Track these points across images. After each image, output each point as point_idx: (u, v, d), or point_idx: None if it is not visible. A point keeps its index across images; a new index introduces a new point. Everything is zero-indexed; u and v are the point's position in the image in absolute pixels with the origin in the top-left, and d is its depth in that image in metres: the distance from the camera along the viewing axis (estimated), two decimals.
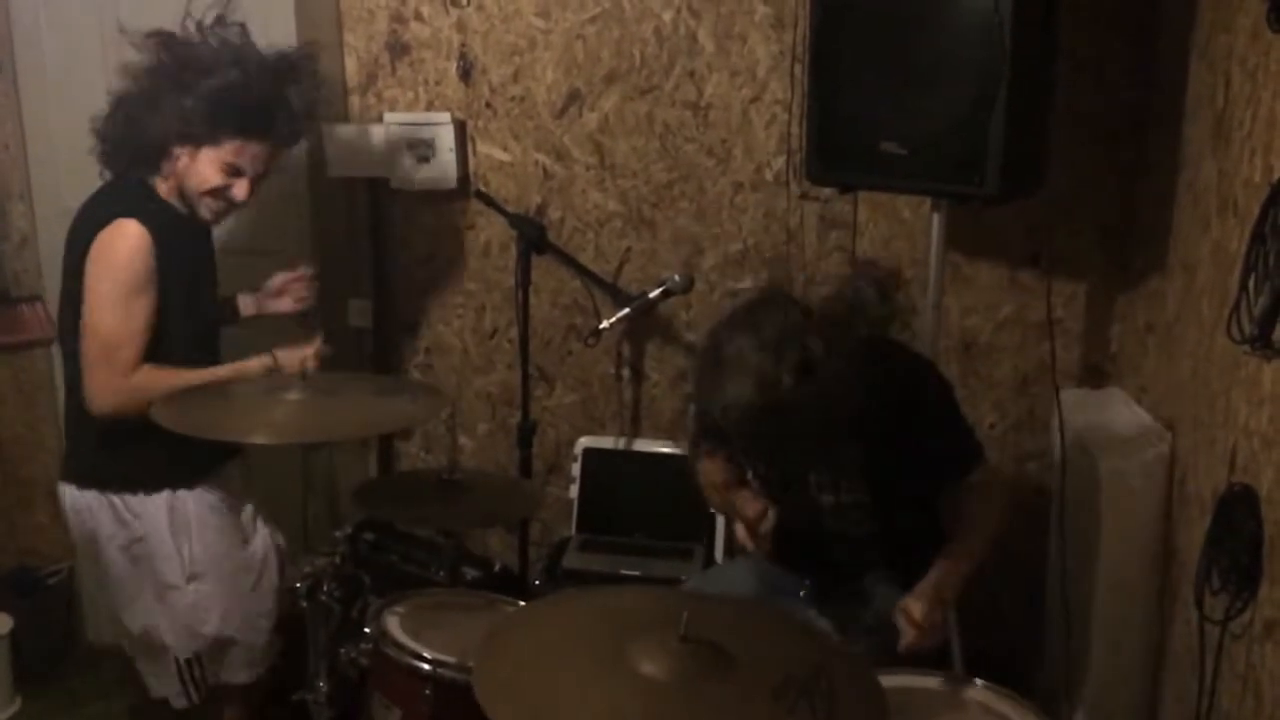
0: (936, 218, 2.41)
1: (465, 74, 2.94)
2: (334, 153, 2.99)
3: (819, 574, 2.16)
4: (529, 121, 2.93)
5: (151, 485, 2.37)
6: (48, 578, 3.35)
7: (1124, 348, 2.70)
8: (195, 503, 2.41)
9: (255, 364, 2.37)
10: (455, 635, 2.03)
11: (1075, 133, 2.59)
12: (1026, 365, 2.80)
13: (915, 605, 1.88)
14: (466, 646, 1.91)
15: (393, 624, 2.08)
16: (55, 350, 2.84)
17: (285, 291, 2.67)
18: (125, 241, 2.23)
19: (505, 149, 2.97)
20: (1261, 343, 1.66)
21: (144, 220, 2.25)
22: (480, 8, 2.90)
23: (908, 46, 2.19)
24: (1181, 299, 2.22)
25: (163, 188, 2.35)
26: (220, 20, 2.34)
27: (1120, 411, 2.47)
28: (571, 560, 2.77)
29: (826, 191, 2.74)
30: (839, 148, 2.34)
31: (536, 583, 2.76)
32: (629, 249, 2.95)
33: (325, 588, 2.13)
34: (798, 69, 2.70)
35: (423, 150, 2.94)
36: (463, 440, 3.18)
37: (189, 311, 2.37)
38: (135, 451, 2.33)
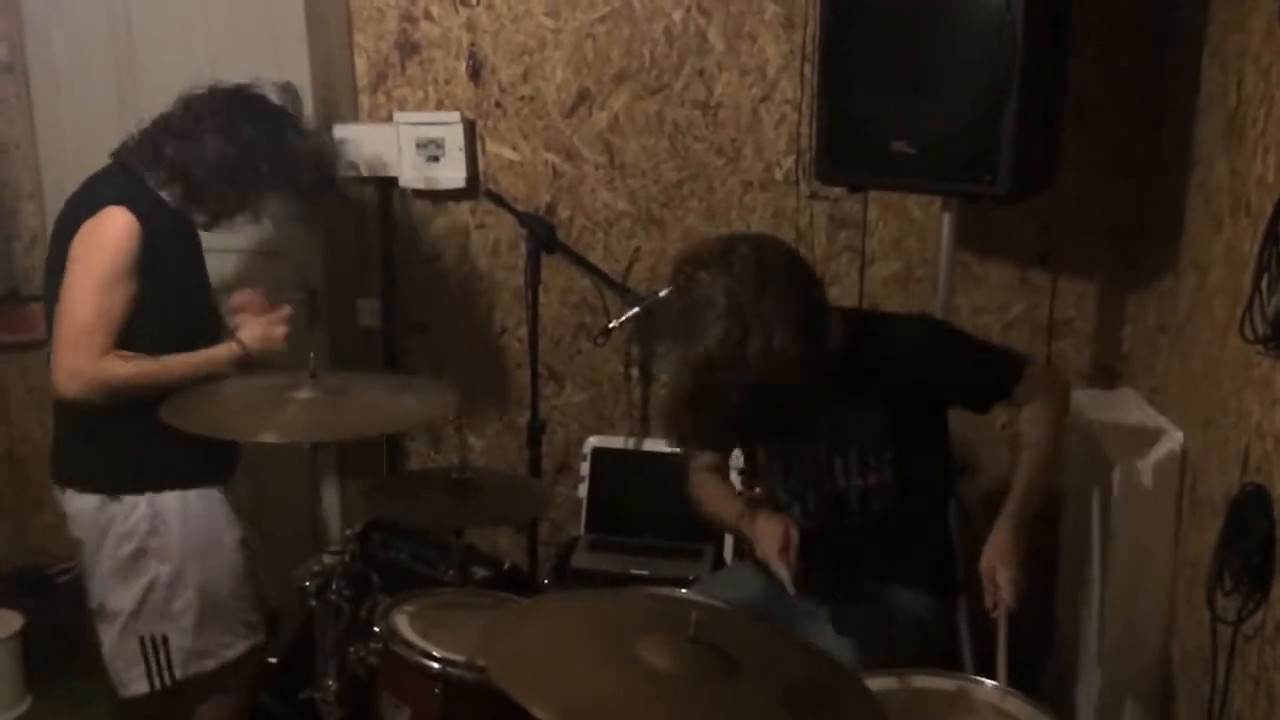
0: (947, 217, 2.40)
1: (475, 73, 2.95)
2: (344, 152, 2.99)
3: (835, 577, 2.16)
4: (538, 121, 2.93)
5: (131, 487, 2.35)
6: (57, 577, 3.35)
7: (1135, 348, 2.69)
8: (177, 503, 2.38)
9: (223, 350, 2.34)
10: (465, 634, 2.03)
11: (1086, 132, 2.58)
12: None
13: (998, 568, 1.94)
14: (476, 645, 1.91)
15: (402, 623, 2.08)
16: None
17: (250, 317, 2.48)
18: (113, 228, 2.22)
19: (515, 148, 2.97)
20: (1274, 343, 1.65)
21: (134, 209, 2.24)
22: (490, 7, 2.90)
23: (918, 46, 2.19)
24: (1193, 299, 2.21)
25: (152, 180, 2.33)
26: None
27: (1132, 412, 2.46)
28: (580, 560, 2.77)
29: (836, 191, 2.74)
30: (849, 147, 2.33)
31: (545, 582, 2.76)
32: (638, 248, 2.95)
33: (334, 586, 2.12)
34: (807, 68, 2.70)
35: (432, 149, 2.94)
36: (472, 440, 3.17)
37: (181, 308, 2.36)
38: (115, 452, 2.34)
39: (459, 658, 1.94)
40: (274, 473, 3.11)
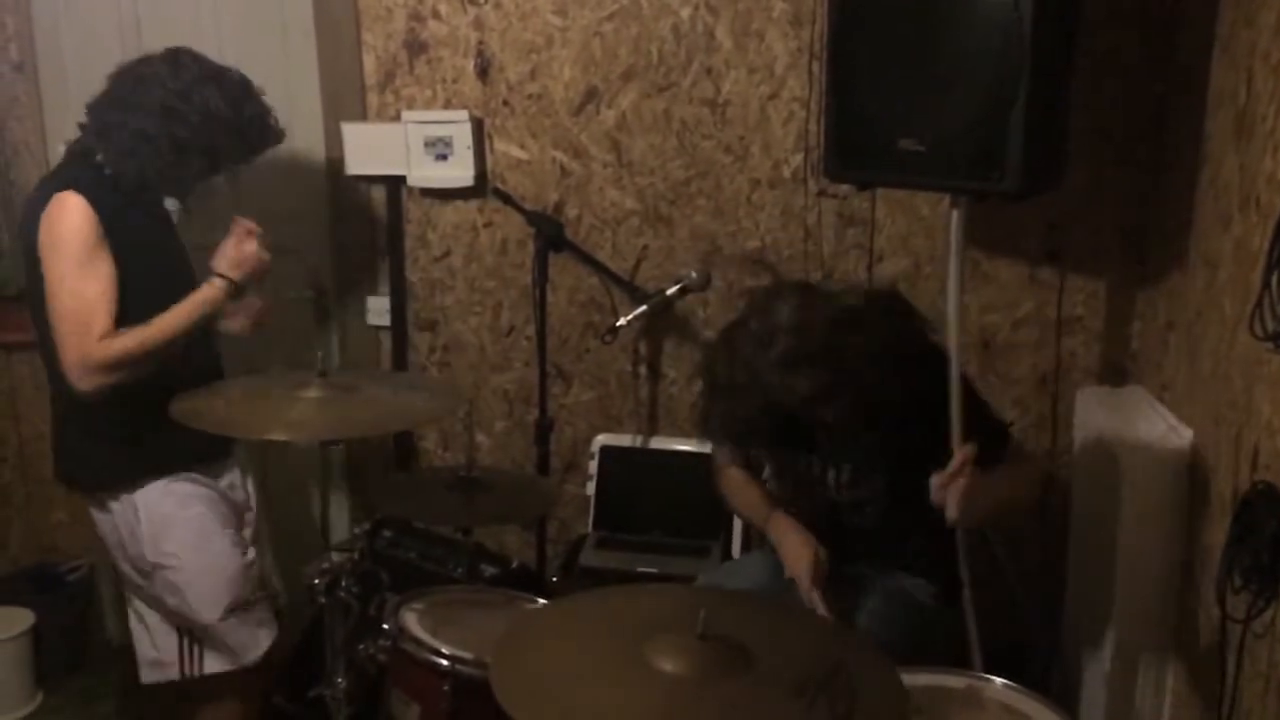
0: (955, 214, 2.40)
1: (483, 72, 2.95)
2: (352, 151, 3.00)
3: (832, 558, 2.17)
4: (546, 119, 2.94)
5: (122, 484, 2.35)
6: (67, 574, 3.37)
7: (1145, 345, 2.68)
8: (158, 494, 2.37)
9: (206, 289, 2.31)
10: (474, 632, 2.04)
11: (1095, 129, 2.58)
12: (1046, 363, 2.78)
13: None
14: (485, 643, 1.91)
15: (411, 620, 2.09)
16: None
17: (238, 310, 2.53)
18: (65, 213, 2.20)
19: (523, 147, 2.97)
20: None
21: (81, 189, 2.22)
22: (498, 5, 2.90)
23: (926, 43, 2.18)
24: (1203, 296, 2.20)
25: (105, 157, 2.31)
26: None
27: (1141, 409, 2.46)
28: (589, 558, 2.77)
29: (844, 188, 2.74)
30: (857, 145, 2.33)
31: (554, 580, 2.76)
32: (646, 246, 2.95)
33: (343, 584, 2.13)
34: (816, 66, 2.70)
35: (440, 148, 2.94)
36: (480, 438, 3.18)
37: (161, 282, 2.33)
38: (105, 449, 2.34)
39: (468, 655, 1.95)
40: (283, 471, 3.12)
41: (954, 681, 1.83)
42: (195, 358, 2.38)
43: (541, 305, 2.81)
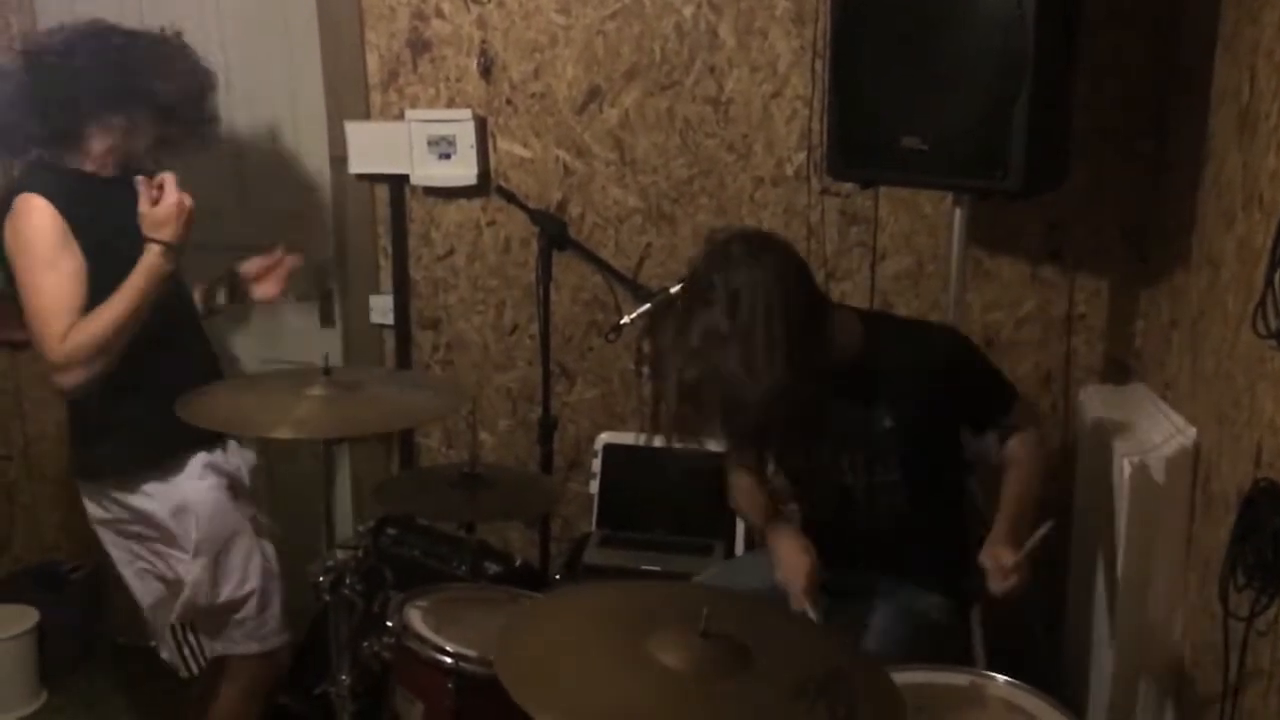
0: (958, 213, 2.40)
1: (486, 71, 2.95)
2: (355, 150, 3.00)
3: (839, 569, 2.17)
4: (549, 118, 2.94)
5: (145, 469, 2.36)
6: (72, 573, 3.38)
7: (1148, 343, 2.68)
8: (188, 475, 2.39)
9: (145, 260, 2.26)
10: (477, 629, 2.05)
11: (1097, 127, 2.58)
12: (1049, 361, 2.78)
13: (1003, 552, 1.95)
14: (489, 640, 1.92)
15: (415, 618, 2.10)
16: None
17: (263, 277, 2.63)
18: (27, 215, 2.20)
19: (526, 145, 2.97)
20: None
21: (39, 190, 2.22)
22: (501, 4, 2.90)
23: (929, 41, 2.18)
24: (1206, 294, 2.20)
25: (42, 143, 2.30)
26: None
27: (1144, 408, 2.46)
28: (592, 556, 2.77)
29: (847, 187, 2.74)
30: (860, 143, 2.33)
31: (557, 578, 2.77)
32: (649, 244, 2.95)
33: (348, 582, 2.14)
34: (818, 64, 2.70)
35: (444, 147, 2.95)
36: (483, 436, 3.19)
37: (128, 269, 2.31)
38: (121, 438, 2.35)
39: (472, 652, 1.96)
40: (287, 469, 3.12)
41: (957, 679, 1.84)
42: (192, 350, 2.39)
43: (545, 303, 2.81)
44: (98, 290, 2.24)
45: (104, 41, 2.31)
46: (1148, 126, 2.61)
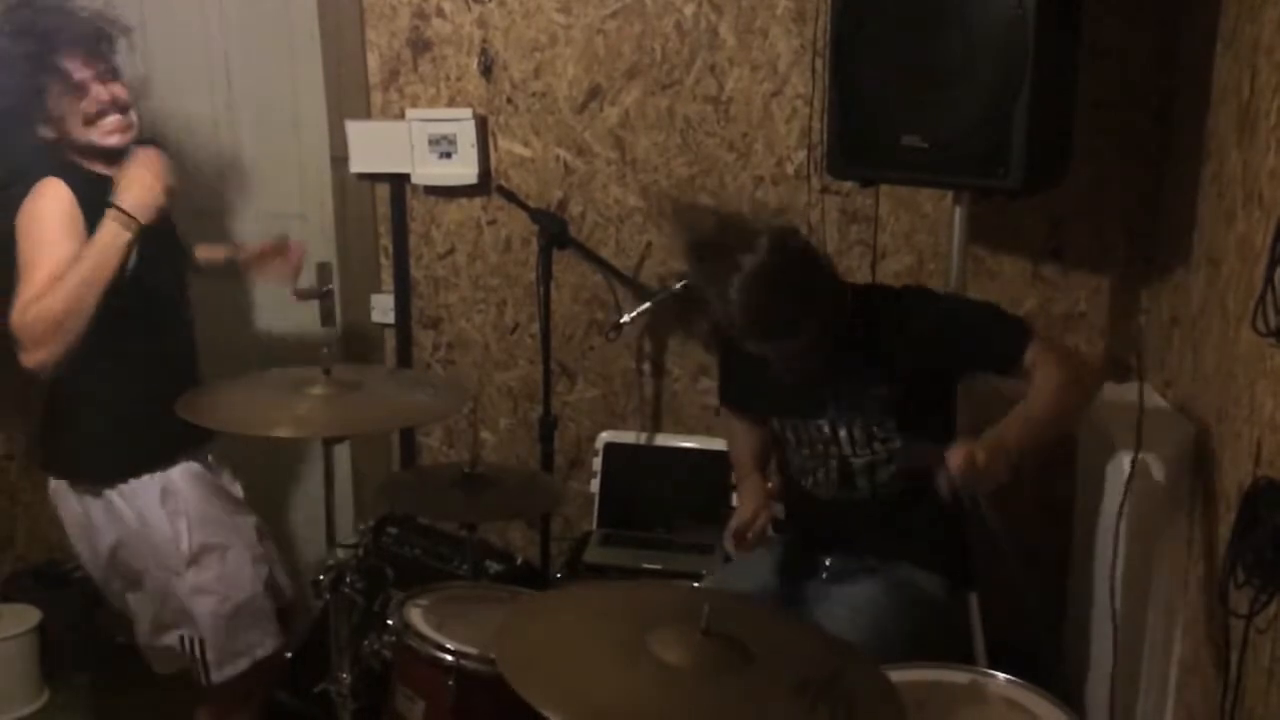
0: (959, 211, 2.40)
1: (486, 70, 2.95)
2: (356, 149, 3.01)
3: (843, 548, 2.19)
4: (550, 117, 2.94)
5: (140, 468, 2.34)
6: (74, 571, 3.37)
7: (1148, 341, 2.68)
8: (182, 476, 2.38)
9: (107, 233, 2.18)
10: (478, 628, 2.04)
11: (1098, 125, 2.58)
12: None
13: (976, 449, 1.88)
14: (490, 639, 1.92)
15: (416, 616, 2.10)
16: None
17: (271, 260, 2.65)
18: (45, 197, 2.18)
19: (526, 144, 2.98)
20: None
21: (62, 176, 2.20)
22: (501, 3, 2.90)
23: (929, 39, 2.18)
24: (1206, 292, 2.20)
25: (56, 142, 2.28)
26: None
27: (1144, 405, 2.45)
28: (593, 555, 2.78)
29: (848, 185, 2.74)
30: (860, 141, 2.33)
31: (558, 576, 2.77)
32: (650, 243, 2.96)
33: (349, 580, 2.14)
34: (819, 63, 2.70)
35: (444, 146, 2.95)
36: (484, 435, 3.19)
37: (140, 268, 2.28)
38: (116, 437, 2.33)
39: (472, 651, 1.96)
40: (288, 468, 3.13)
41: (957, 677, 1.84)
42: (170, 348, 2.37)
43: (545, 302, 2.82)
44: None
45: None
46: (1148, 124, 2.61)
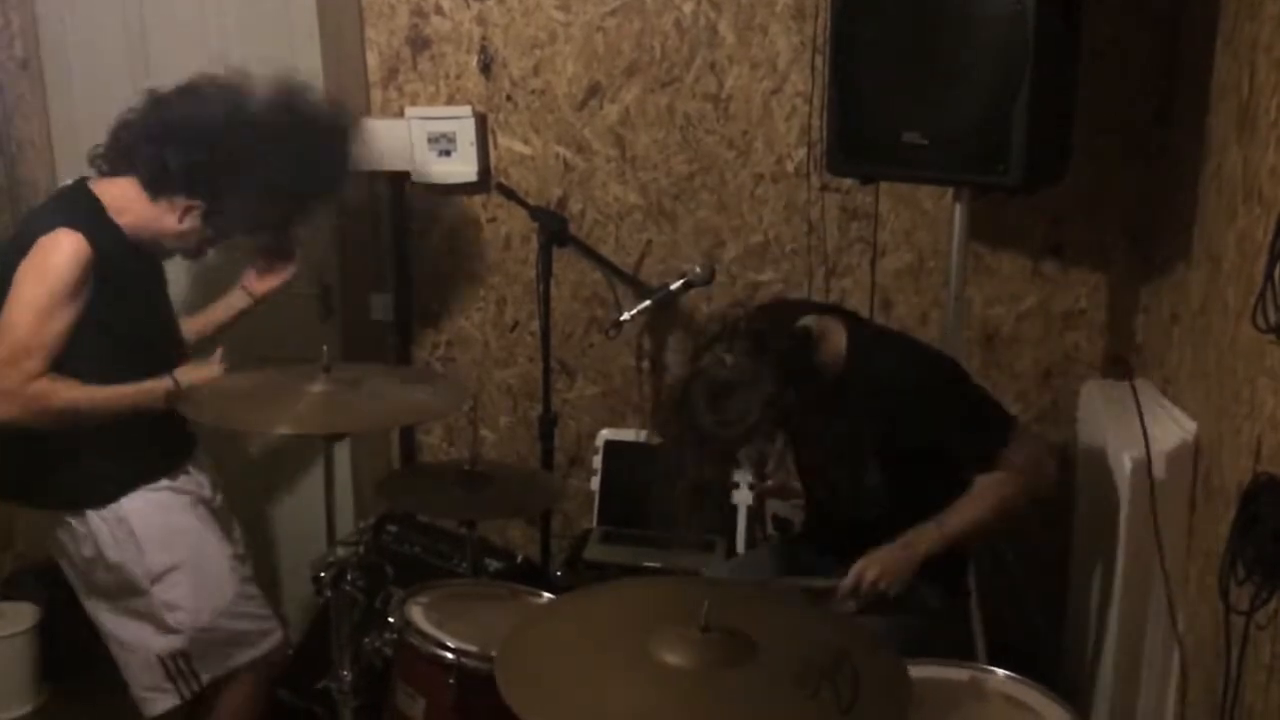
0: (959, 208, 2.40)
1: (486, 67, 2.95)
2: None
3: (845, 554, 2.18)
4: (549, 114, 2.94)
5: (96, 499, 2.32)
6: None
7: (1148, 339, 2.68)
8: (144, 503, 2.34)
9: (158, 386, 2.27)
10: (479, 625, 2.05)
11: (1098, 122, 2.58)
12: (1049, 357, 2.79)
13: (872, 567, 1.97)
14: (490, 636, 1.92)
15: (416, 614, 2.10)
16: None
17: (267, 275, 2.61)
18: (62, 250, 2.15)
19: (526, 142, 2.98)
20: None
21: (89, 235, 2.18)
22: (500, 1, 2.90)
23: (929, 36, 2.18)
24: (1206, 289, 2.20)
25: (113, 206, 2.28)
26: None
27: (1145, 403, 2.45)
28: (593, 552, 2.78)
29: (847, 183, 2.74)
30: (860, 139, 2.33)
31: (558, 574, 2.77)
32: (650, 241, 2.96)
33: (349, 578, 2.14)
34: (818, 60, 2.70)
35: (444, 144, 2.95)
36: (484, 432, 3.19)
37: (134, 330, 2.30)
38: (74, 467, 2.29)
39: (473, 648, 1.96)
40: (288, 465, 3.13)
41: (957, 673, 1.84)
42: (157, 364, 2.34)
43: (545, 300, 2.82)
44: (83, 353, 2.20)
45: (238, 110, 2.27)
46: (1149, 121, 2.61)
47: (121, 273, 2.26)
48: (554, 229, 2.81)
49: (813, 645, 1.53)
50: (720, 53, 2.81)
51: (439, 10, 2.95)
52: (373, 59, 3.02)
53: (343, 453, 3.14)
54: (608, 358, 3.06)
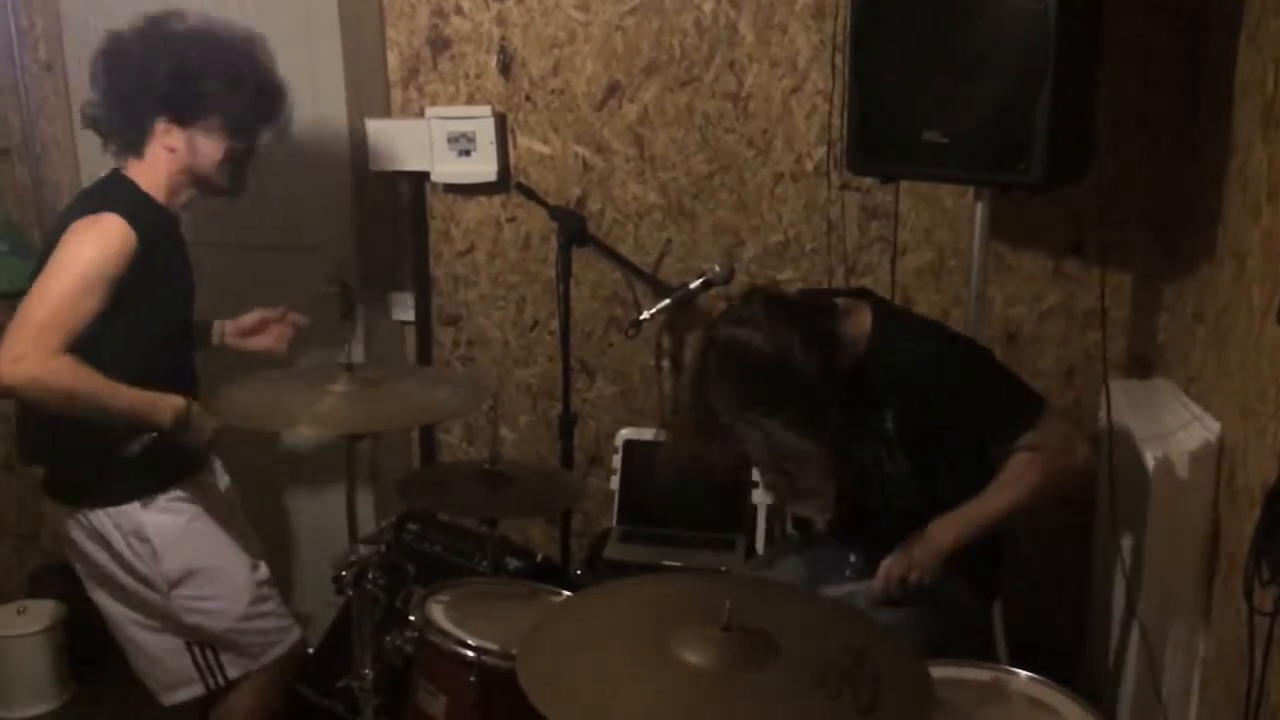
0: (980, 207, 2.39)
1: (505, 67, 2.96)
2: (376, 147, 3.02)
3: (869, 547, 2.18)
4: (569, 114, 2.94)
5: (103, 499, 2.31)
6: None
7: (1172, 338, 2.67)
8: (160, 511, 2.34)
9: (171, 401, 2.25)
10: (499, 624, 2.05)
11: (1120, 119, 2.56)
12: (1072, 356, 2.77)
13: (901, 561, 2.02)
14: (511, 635, 1.93)
15: (437, 612, 2.11)
16: None
17: (264, 330, 2.59)
18: (106, 234, 2.15)
19: (545, 142, 2.98)
20: None
21: (134, 223, 2.18)
22: (520, 1, 2.91)
23: (950, 34, 2.17)
24: (1231, 287, 2.19)
25: (150, 184, 2.28)
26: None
27: (1168, 402, 2.44)
28: (613, 551, 2.78)
29: (867, 181, 2.73)
30: (880, 137, 2.33)
31: (578, 573, 2.78)
32: (669, 240, 2.96)
33: (370, 576, 2.14)
34: (838, 58, 2.69)
35: (463, 144, 2.96)
36: (504, 432, 3.20)
37: (159, 321, 2.30)
38: (96, 466, 2.30)
39: (494, 647, 1.96)
40: (309, 465, 3.15)
41: (979, 674, 1.83)
42: (172, 376, 2.33)
43: (565, 300, 2.82)
44: (120, 329, 2.19)
45: (168, 38, 2.28)
46: (1172, 118, 2.59)
47: (167, 257, 2.27)
48: (573, 228, 2.81)
49: (834, 645, 1.53)
50: (740, 51, 2.80)
51: (459, 10, 2.96)
52: (393, 59, 3.04)
53: (364, 452, 3.16)
54: (627, 357, 3.06)
